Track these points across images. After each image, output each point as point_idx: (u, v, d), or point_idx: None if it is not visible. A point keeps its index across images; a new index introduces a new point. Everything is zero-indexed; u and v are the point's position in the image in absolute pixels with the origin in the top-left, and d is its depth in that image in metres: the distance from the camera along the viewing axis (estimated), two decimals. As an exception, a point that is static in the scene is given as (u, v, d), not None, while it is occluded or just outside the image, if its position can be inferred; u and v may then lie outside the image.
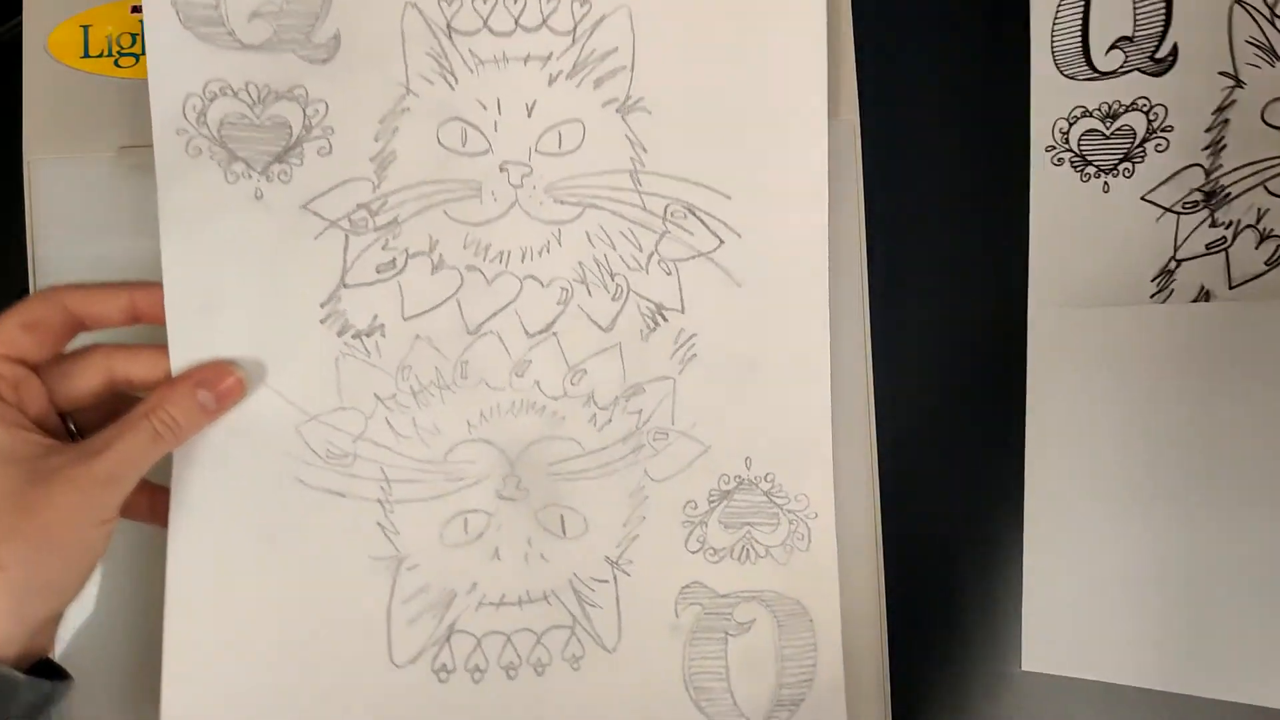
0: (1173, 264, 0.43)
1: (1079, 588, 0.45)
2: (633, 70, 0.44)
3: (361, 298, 0.44)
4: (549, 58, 0.44)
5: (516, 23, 0.43)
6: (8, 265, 0.47)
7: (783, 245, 0.45)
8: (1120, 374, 0.44)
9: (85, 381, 0.41)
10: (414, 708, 0.44)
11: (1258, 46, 0.41)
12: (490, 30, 0.43)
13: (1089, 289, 0.44)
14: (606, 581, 0.46)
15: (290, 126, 0.43)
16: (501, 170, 0.44)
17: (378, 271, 0.44)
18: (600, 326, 0.45)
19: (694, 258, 0.45)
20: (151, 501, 0.43)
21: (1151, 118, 0.43)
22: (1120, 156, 0.44)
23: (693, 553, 0.46)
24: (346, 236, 0.44)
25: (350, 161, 0.43)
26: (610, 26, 0.44)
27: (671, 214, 0.45)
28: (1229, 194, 0.42)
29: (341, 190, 0.43)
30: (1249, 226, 0.42)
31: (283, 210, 0.43)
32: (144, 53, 0.42)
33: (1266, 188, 0.41)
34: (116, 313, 0.41)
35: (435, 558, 0.45)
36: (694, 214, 0.45)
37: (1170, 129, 0.43)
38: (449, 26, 0.43)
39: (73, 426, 0.42)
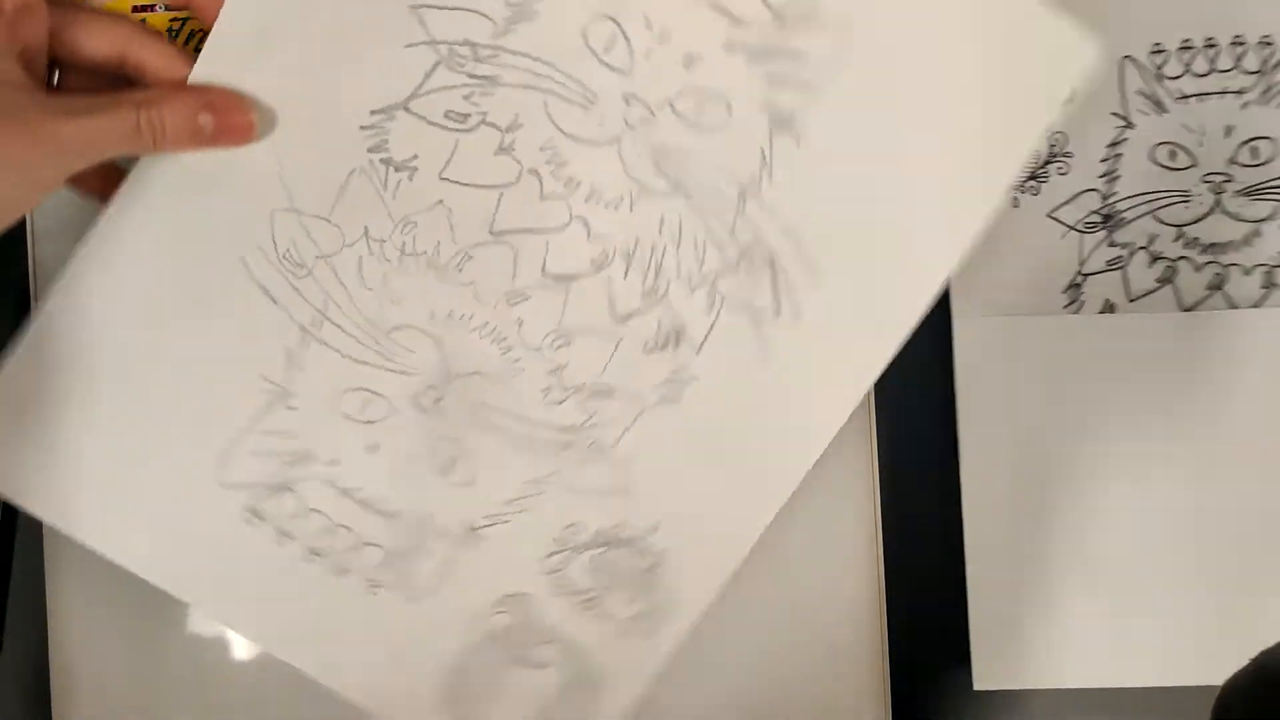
0: (1079, 278, 0.49)
1: (1022, 596, 0.49)
2: (818, 95, 0.38)
3: (413, 129, 0.39)
4: (744, 22, 0.37)
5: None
6: (8, 265, 0.47)
7: (828, 360, 0.40)
8: (1044, 380, 0.49)
9: (96, 43, 0.37)
10: (215, 530, 0.41)
11: (1145, 97, 0.49)
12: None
13: (1007, 300, 0.49)
14: (449, 538, 0.42)
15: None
16: (626, 101, 0.38)
17: (445, 116, 0.39)
18: (615, 311, 0.40)
19: (742, 310, 0.40)
20: (105, 184, 0.40)
21: (1053, 143, 0.49)
22: (1027, 175, 0.49)
23: (545, 572, 0.42)
24: (437, 64, 0.39)
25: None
26: (825, 36, 0.38)
27: (751, 255, 0.39)
28: (1124, 218, 0.49)
29: (458, 15, 0.38)
30: (1141, 248, 0.49)
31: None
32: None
33: (1156, 216, 0.49)
34: None
35: (317, 414, 0.41)
36: (772, 269, 0.39)
37: (1070, 155, 0.49)
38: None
39: (56, 79, 0.39)
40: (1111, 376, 0.49)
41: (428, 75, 0.39)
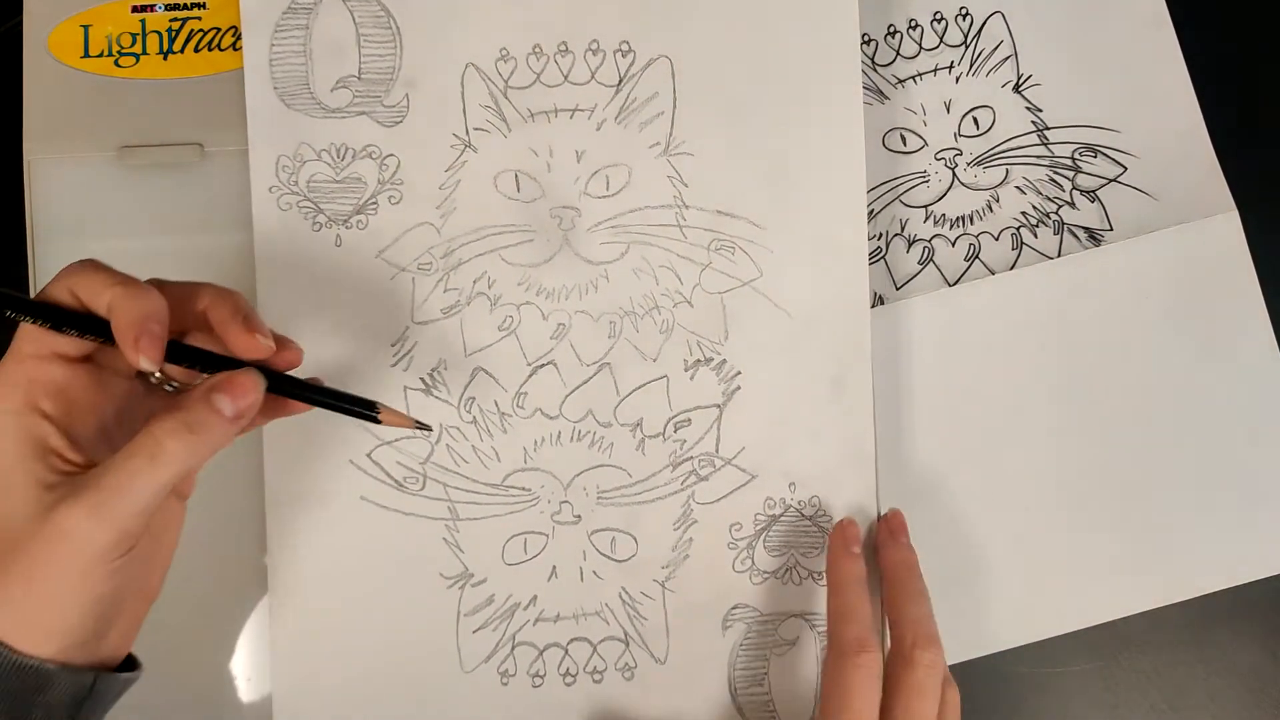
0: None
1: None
2: (674, 114, 0.48)
3: (428, 335, 0.48)
4: (595, 107, 0.48)
5: (566, 78, 0.48)
6: (8, 265, 0.46)
7: (821, 272, 0.48)
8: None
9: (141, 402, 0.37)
10: (480, 709, 0.47)
11: (867, 90, 0.50)
12: (543, 84, 0.48)
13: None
14: (655, 599, 0.48)
15: (365, 182, 0.47)
16: (553, 215, 0.48)
17: (442, 312, 0.48)
18: (648, 358, 0.48)
19: (736, 288, 0.48)
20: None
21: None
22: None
23: (739, 573, 0.48)
24: (414, 279, 0.48)
25: (418, 210, 0.47)
26: (652, 74, 0.48)
27: (714, 246, 0.48)
28: (870, 210, 0.49)
29: (410, 236, 0.47)
30: (896, 235, 0.48)
31: (360, 256, 0.47)
32: (144, 53, 0.46)
33: (902, 201, 0.50)
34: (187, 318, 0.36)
35: (498, 574, 0.47)
36: (736, 245, 0.48)
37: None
38: (505, 84, 0.48)
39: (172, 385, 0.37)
40: (911, 362, 0.50)
41: (414, 291, 0.48)
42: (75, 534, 0.32)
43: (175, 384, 0.37)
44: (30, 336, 0.35)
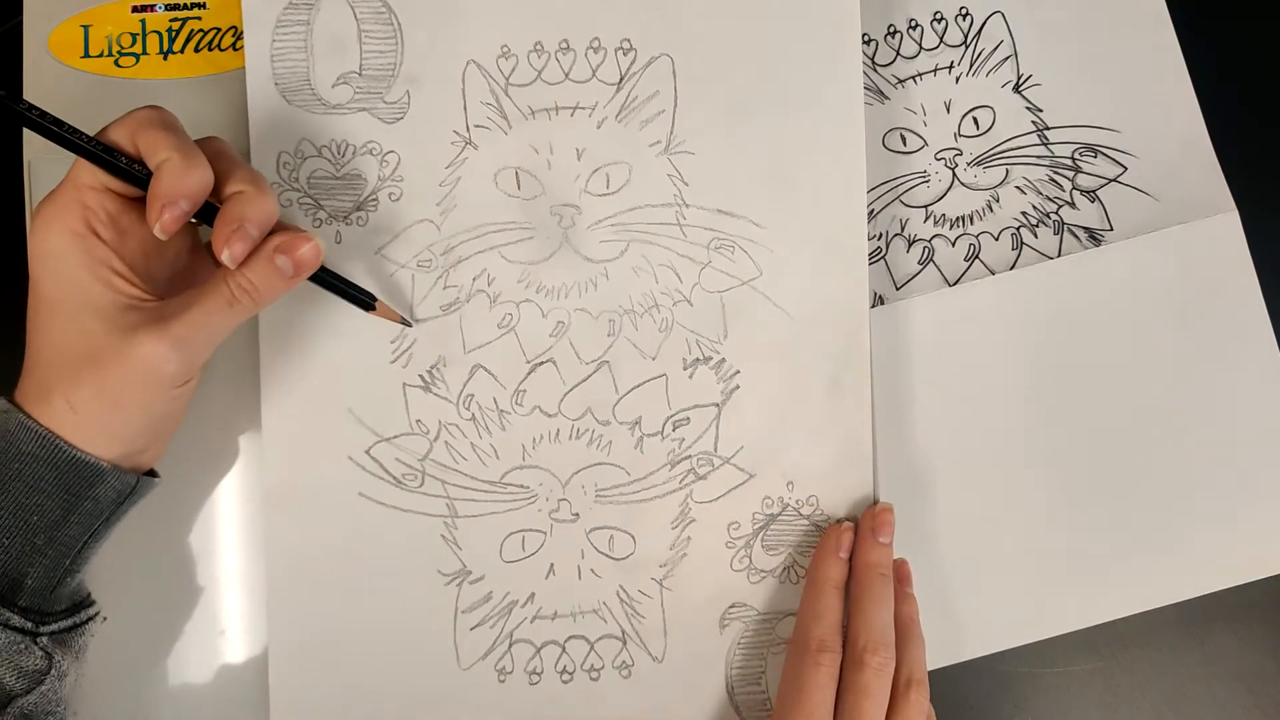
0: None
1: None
2: (675, 112, 0.48)
3: (427, 331, 0.48)
4: (596, 105, 0.48)
5: (567, 75, 0.48)
6: (8, 265, 0.45)
7: (821, 272, 0.48)
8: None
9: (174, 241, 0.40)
10: (477, 707, 0.47)
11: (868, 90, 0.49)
12: (544, 81, 0.48)
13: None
14: (653, 598, 0.47)
15: (366, 178, 0.48)
16: (553, 213, 0.48)
17: (441, 309, 0.48)
18: (647, 356, 0.48)
19: (736, 287, 0.48)
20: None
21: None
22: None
23: (736, 572, 0.48)
24: (413, 275, 0.48)
25: (419, 207, 0.47)
26: (653, 73, 0.48)
27: (714, 245, 0.48)
28: (870, 210, 0.49)
29: (410, 233, 0.48)
30: (896, 235, 0.48)
31: (360, 252, 0.47)
32: (144, 53, 0.47)
33: (902, 201, 0.50)
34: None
35: (496, 571, 0.47)
36: (736, 244, 0.48)
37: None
38: (506, 82, 0.48)
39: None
40: (908, 362, 0.50)
41: (413, 288, 0.48)
42: (155, 361, 0.37)
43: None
44: (86, 167, 0.37)
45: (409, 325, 0.46)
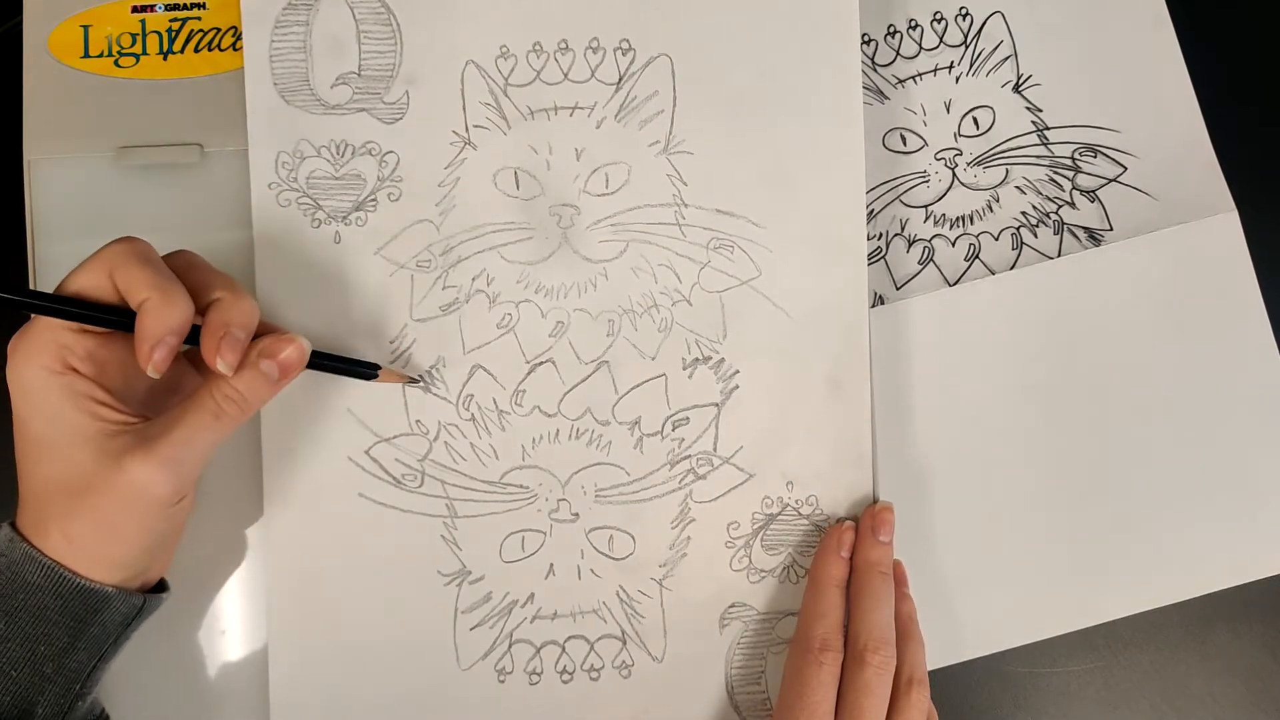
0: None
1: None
2: (674, 112, 0.48)
3: (426, 332, 0.48)
4: (595, 105, 0.48)
5: (565, 76, 0.48)
6: (8, 265, 0.47)
7: (820, 271, 0.48)
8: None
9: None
10: (477, 707, 0.47)
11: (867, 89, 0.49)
12: (543, 81, 0.48)
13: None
14: (653, 598, 0.47)
15: (365, 179, 0.48)
16: (552, 213, 0.48)
17: (441, 310, 0.48)
18: (646, 356, 0.48)
19: (735, 287, 0.48)
20: None
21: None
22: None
23: (736, 572, 0.48)
24: (412, 276, 0.48)
25: (418, 207, 0.47)
26: (652, 73, 0.48)
27: (713, 245, 0.48)
28: (870, 210, 0.50)
29: (410, 233, 0.48)
30: (896, 235, 0.48)
31: (359, 253, 0.47)
32: (144, 53, 0.47)
33: (902, 201, 0.50)
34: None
35: (496, 571, 0.47)
36: (735, 244, 0.48)
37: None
38: (505, 82, 0.48)
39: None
40: (910, 363, 0.50)
41: (412, 288, 0.48)
42: (145, 485, 0.36)
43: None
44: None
45: (417, 383, 0.47)
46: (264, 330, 0.41)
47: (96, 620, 0.37)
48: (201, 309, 0.39)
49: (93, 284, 0.37)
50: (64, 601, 0.37)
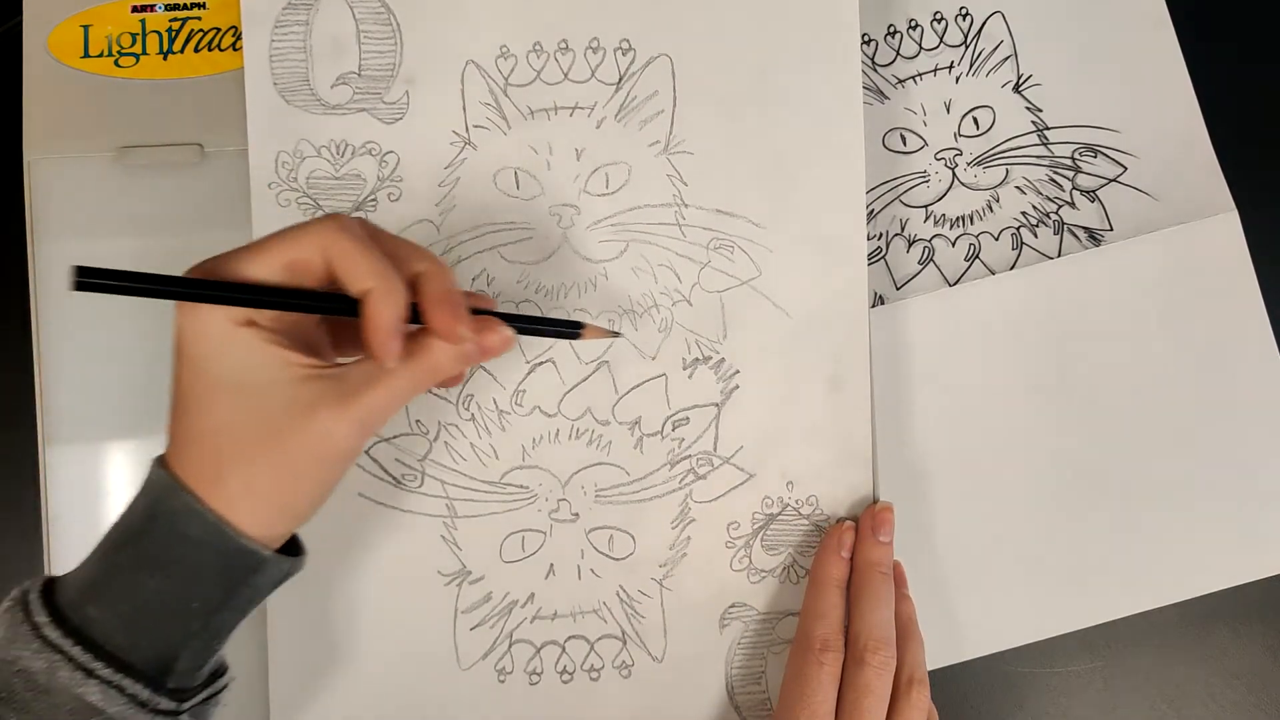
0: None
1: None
2: (674, 112, 0.48)
3: (426, 332, 0.47)
4: (595, 105, 0.48)
5: (566, 76, 0.48)
6: (8, 265, 0.46)
7: (820, 271, 0.48)
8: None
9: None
10: (477, 707, 0.47)
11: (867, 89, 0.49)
12: (543, 82, 0.48)
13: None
14: (653, 598, 0.47)
15: (365, 179, 0.48)
16: (552, 213, 0.48)
17: (441, 308, 0.48)
18: (646, 356, 0.48)
19: (735, 287, 0.48)
20: None
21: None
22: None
23: (736, 572, 0.48)
24: (413, 276, 0.48)
25: (418, 207, 0.47)
26: (652, 73, 0.48)
27: (713, 245, 0.48)
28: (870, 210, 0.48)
29: (410, 233, 0.48)
30: (896, 235, 0.49)
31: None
32: (144, 53, 0.47)
33: (902, 201, 0.48)
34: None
35: (496, 571, 0.47)
36: (735, 244, 0.48)
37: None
38: (505, 82, 0.48)
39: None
40: (910, 362, 0.50)
41: (412, 288, 0.48)
42: (338, 439, 0.35)
43: None
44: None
45: (618, 335, 0.47)
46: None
47: (250, 582, 0.36)
48: (411, 279, 0.37)
49: (305, 258, 0.35)
50: (225, 560, 0.35)
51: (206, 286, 0.34)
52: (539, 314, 0.47)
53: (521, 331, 0.40)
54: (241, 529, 0.35)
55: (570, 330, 0.42)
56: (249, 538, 0.35)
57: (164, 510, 0.35)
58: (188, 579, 0.35)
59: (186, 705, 0.36)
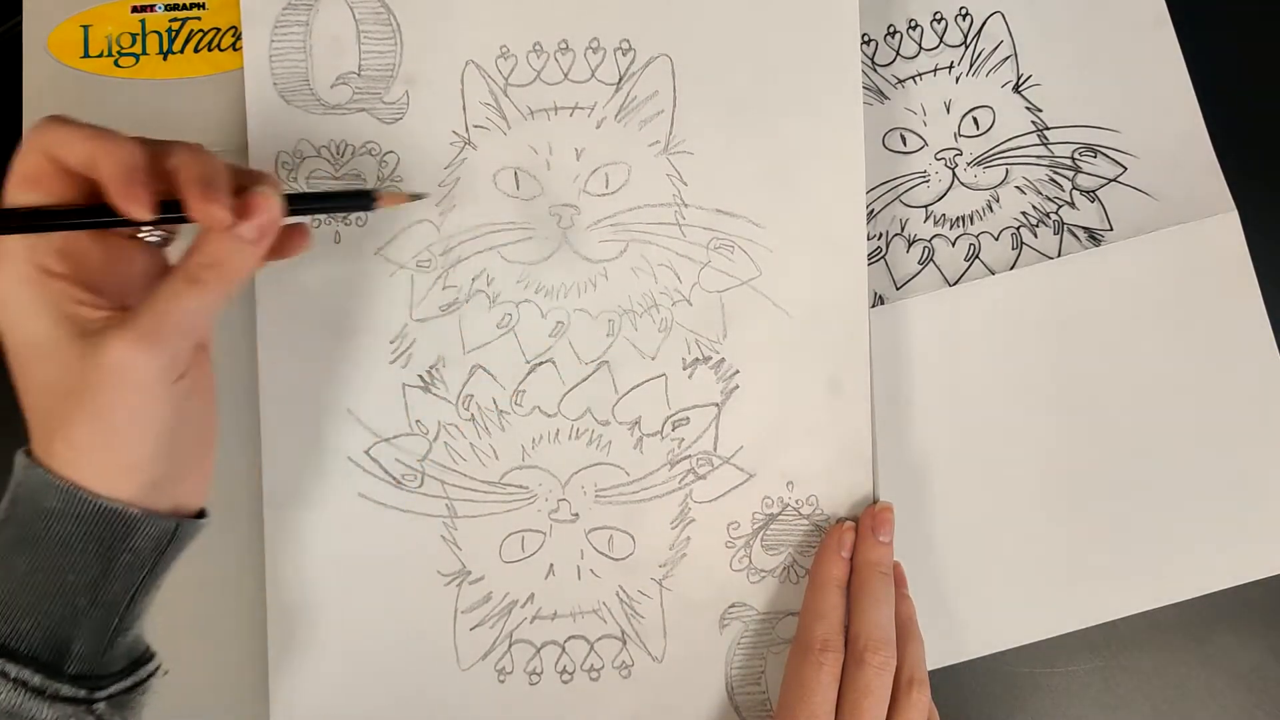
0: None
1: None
2: (674, 113, 0.48)
3: (427, 332, 0.48)
4: (595, 105, 0.48)
5: (566, 76, 0.48)
6: None
7: (820, 271, 0.48)
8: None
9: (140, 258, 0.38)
10: (477, 707, 0.47)
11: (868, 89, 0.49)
12: (543, 82, 0.48)
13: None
14: (653, 598, 0.47)
15: (365, 178, 0.48)
16: (552, 213, 0.48)
17: (441, 310, 0.48)
18: (646, 356, 0.48)
19: (735, 286, 0.48)
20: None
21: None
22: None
23: (736, 572, 0.48)
24: (412, 276, 0.48)
25: (418, 207, 0.47)
26: (652, 73, 0.48)
27: (713, 245, 0.48)
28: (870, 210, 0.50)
29: (409, 233, 0.48)
30: (896, 235, 0.48)
31: (359, 253, 0.47)
32: (144, 53, 0.47)
33: (902, 201, 0.50)
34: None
35: (496, 572, 0.47)
36: (735, 244, 0.48)
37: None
38: (505, 82, 0.48)
39: None
40: (909, 362, 0.50)
41: (412, 288, 0.48)
42: (128, 363, 0.33)
43: (160, 235, 0.38)
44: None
45: (423, 197, 0.45)
46: (245, 182, 0.37)
47: (126, 547, 0.35)
48: (169, 170, 0.36)
49: (33, 165, 0.35)
50: (86, 526, 0.34)
51: None
52: (512, 320, 0.47)
53: (303, 211, 0.38)
54: (98, 491, 0.34)
55: (362, 201, 0.40)
56: (108, 498, 0.34)
57: (24, 490, 0.35)
58: (56, 553, 0.34)
59: (102, 694, 0.35)
